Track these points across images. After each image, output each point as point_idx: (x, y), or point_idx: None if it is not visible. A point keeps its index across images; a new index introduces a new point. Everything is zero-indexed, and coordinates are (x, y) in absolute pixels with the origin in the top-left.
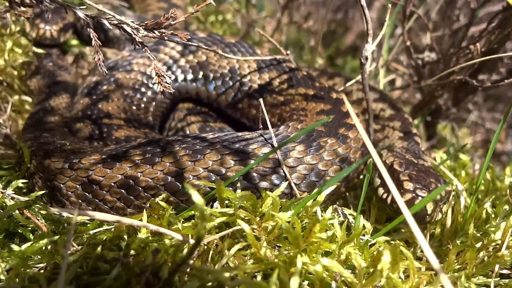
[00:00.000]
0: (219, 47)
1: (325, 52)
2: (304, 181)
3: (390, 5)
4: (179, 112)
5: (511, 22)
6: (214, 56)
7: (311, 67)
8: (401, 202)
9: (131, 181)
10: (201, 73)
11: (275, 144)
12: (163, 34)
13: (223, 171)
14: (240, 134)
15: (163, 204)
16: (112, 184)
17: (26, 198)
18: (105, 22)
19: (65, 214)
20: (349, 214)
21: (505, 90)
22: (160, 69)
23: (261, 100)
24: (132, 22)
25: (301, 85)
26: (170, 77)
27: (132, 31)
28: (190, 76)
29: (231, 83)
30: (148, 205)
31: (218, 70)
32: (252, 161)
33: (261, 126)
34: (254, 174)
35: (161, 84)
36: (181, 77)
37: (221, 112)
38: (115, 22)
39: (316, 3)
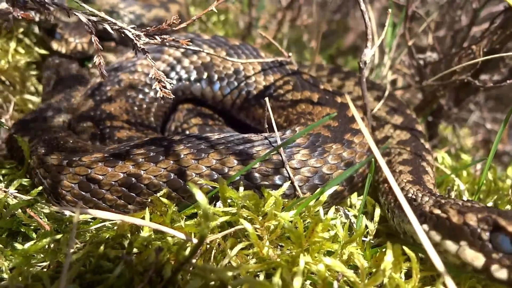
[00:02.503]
0: (223, 49)
1: (325, 52)
2: (306, 184)
3: (390, 10)
4: (178, 113)
5: None
6: (219, 57)
7: (314, 66)
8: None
9: (133, 179)
10: (205, 73)
11: (281, 148)
12: (165, 40)
13: (226, 170)
14: (246, 136)
15: (165, 201)
16: (113, 182)
17: (29, 197)
18: (107, 27)
19: (67, 212)
20: (352, 215)
21: (507, 90)
22: (161, 75)
23: (266, 99)
24: (133, 28)
25: (305, 87)
26: (170, 83)
27: (133, 37)
28: (194, 77)
29: (236, 84)
30: (149, 200)
31: (222, 71)
32: (257, 164)
33: (267, 126)
34: (257, 175)
35: (161, 90)
36: (185, 77)
37: (224, 114)
38: (117, 27)
39: (317, 3)
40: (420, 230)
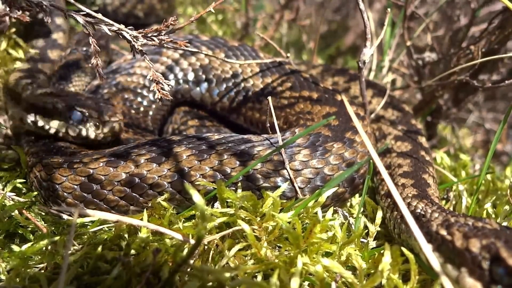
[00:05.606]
0: (222, 50)
1: (325, 52)
2: (308, 185)
3: (389, 10)
4: (175, 115)
5: (511, 23)
6: (217, 59)
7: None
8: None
9: (136, 179)
10: (203, 76)
11: (282, 149)
12: (163, 42)
13: (228, 170)
14: (245, 136)
15: (164, 204)
16: (116, 183)
17: (26, 200)
18: (105, 28)
19: (65, 216)
20: (351, 216)
21: (506, 90)
22: (159, 76)
23: (269, 98)
24: (131, 29)
25: (304, 87)
26: (169, 85)
27: (131, 39)
28: (193, 80)
29: (234, 87)
30: (150, 204)
31: (221, 74)
32: (258, 164)
33: (268, 125)
34: (258, 176)
35: (159, 92)
36: (183, 80)
37: (222, 116)
38: (115, 29)
39: (316, 3)
40: (429, 252)
